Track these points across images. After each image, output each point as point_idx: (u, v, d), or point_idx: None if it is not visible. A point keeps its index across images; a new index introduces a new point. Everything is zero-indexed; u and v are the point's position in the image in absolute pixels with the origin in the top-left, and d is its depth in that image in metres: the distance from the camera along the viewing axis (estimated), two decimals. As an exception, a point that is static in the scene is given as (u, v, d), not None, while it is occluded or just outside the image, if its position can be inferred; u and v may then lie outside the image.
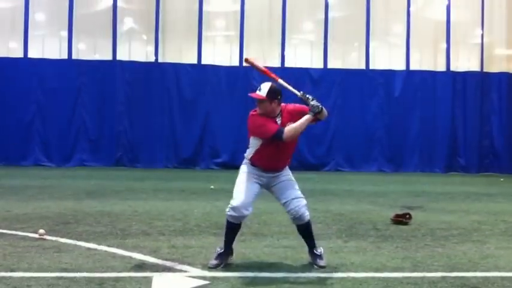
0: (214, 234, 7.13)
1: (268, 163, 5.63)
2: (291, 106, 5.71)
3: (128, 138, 18.48)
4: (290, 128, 5.47)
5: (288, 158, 5.77)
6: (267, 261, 5.90)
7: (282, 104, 5.67)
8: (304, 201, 5.68)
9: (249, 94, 5.71)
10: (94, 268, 5.42)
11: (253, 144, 5.68)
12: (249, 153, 5.72)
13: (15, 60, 18.15)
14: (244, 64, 6.08)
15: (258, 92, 5.55)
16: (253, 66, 5.95)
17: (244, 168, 5.72)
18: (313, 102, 5.48)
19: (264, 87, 5.53)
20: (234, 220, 5.60)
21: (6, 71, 17.93)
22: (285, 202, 5.66)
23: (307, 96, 5.54)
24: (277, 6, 19.09)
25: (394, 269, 5.68)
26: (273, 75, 5.79)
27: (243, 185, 5.60)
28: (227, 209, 5.60)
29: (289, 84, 5.71)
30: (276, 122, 5.56)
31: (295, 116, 5.57)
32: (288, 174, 5.77)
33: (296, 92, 5.59)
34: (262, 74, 5.85)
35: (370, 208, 10.05)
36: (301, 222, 5.71)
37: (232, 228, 5.67)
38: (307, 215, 5.68)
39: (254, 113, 5.65)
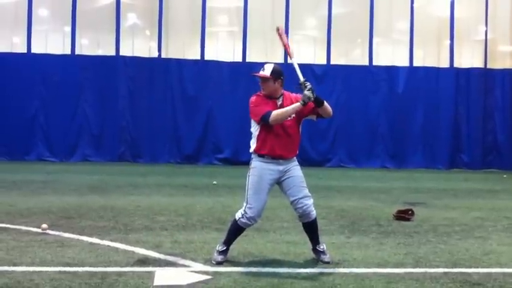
0: (217, 229, 7.14)
1: (275, 149, 5.57)
2: (294, 95, 5.73)
3: (130, 134, 18.51)
4: (277, 111, 5.50)
5: (293, 145, 5.68)
6: (270, 256, 5.91)
7: (286, 92, 5.71)
8: (311, 200, 5.69)
9: (253, 73, 5.76)
10: (97, 262, 5.44)
11: (254, 130, 5.68)
12: (252, 144, 5.69)
13: (18, 56, 18.20)
14: (277, 33, 6.09)
15: (261, 71, 5.62)
16: (280, 37, 5.98)
17: (254, 170, 5.61)
18: (307, 92, 5.44)
19: (268, 67, 5.62)
20: (246, 226, 5.65)
21: (10, 66, 17.97)
22: (294, 200, 5.64)
23: (306, 84, 5.50)
24: (280, 2, 19.07)
25: (396, 264, 5.68)
26: (290, 51, 5.85)
27: (257, 191, 5.56)
28: (239, 215, 5.59)
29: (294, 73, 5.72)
30: (276, 105, 5.58)
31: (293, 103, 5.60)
32: (298, 168, 5.73)
33: (300, 77, 5.59)
34: (283, 47, 5.92)
35: (372, 204, 10.05)
36: (308, 220, 5.72)
37: (241, 231, 5.72)
38: (314, 213, 5.70)
39: (256, 94, 5.70)
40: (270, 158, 5.59)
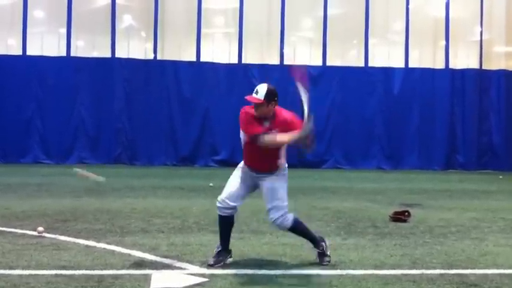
0: (213, 231, 7.11)
1: (251, 163, 5.62)
2: (289, 116, 5.55)
3: (126, 136, 18.48)
4: (271, 136, 5.38)
5: (268, 162, 5.57)
6: (266, 258, 5.91)
7: (277, 109, 5.52)
8: (280, 212, 5.54)
9: (246, 97, 5.53)
10: (93, 265, 5.42)
11: (242, 141, 5.67)
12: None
13: (14, 58, 18.16)
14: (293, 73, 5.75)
15: (254, 94, 5.40)
16: (294, 77, 5.66)
17: (239, 165, 5.78)
18: (310, 124, 5.33)
19: (261, 90, 5.38)
20: (222, 212, 5.66)
21: (5, 68, 17.93)
22: (267, 211, 5.67)
23: (311, 117, 5.36)
24: (276, 3, 19.09)
25: (392, 266, 5.69)
26: (306, 86, 5.57)
27: (232, 179, 5.71)
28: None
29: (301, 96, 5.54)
30: (262, 125, 5.42)
31: (287, 129, 5.42)
32: (274, 178, 5.60)
33: (306, 110, 5.40)
34: (298, 83, 5.57)
35: (368, 205, 10.06)
36: (284, 230, 5.75)
37: (223, 222, 5.69)
38: (286, 223, 5.59)
39: (247, 109, 5.51)
40: (249, 168, 5.65)
